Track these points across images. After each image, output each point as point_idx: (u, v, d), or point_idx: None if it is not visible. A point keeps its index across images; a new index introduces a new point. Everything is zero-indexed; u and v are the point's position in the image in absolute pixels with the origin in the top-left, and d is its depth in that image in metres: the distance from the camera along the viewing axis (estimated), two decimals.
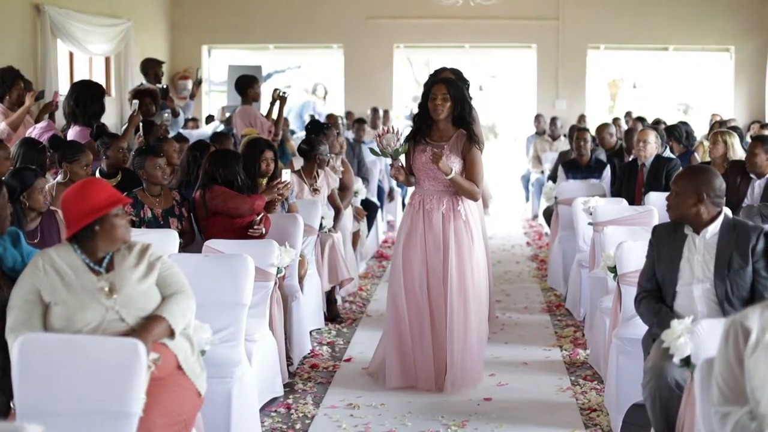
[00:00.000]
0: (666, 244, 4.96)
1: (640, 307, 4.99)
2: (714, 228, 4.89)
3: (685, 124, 11.80)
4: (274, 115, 10.30)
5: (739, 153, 8.60)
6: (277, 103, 10.15)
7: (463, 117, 6.36)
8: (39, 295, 4.12)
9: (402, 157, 6.38)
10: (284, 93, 10.15)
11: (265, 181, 7.31)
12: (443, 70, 7.72)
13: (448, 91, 6.31)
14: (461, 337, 6.25)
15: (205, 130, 13.45)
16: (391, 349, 6.34)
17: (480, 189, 6.41)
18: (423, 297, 6.32)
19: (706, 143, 10.40)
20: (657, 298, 4.94)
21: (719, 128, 9.94)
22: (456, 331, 6.23)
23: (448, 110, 6.31)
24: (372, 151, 6.52)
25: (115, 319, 4.14)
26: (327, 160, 8.80)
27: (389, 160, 6.47)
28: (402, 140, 6.29)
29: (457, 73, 7.65)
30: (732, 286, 4.78)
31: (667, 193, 8.04)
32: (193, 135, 12.56)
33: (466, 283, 6.29)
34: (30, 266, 4.19)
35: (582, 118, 16.33)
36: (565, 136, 14.84)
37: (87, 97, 8.72)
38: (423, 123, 6.42)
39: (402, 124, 18.99)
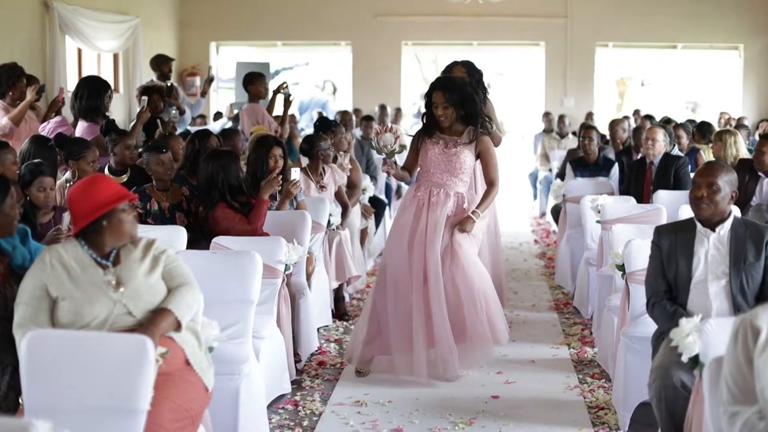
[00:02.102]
0: (675, 243, 4.94)
1: (653, 312, 4.96)
2: (727, 225, 4.91)
3: (692, 122, 11.79)
4: (278, 111, 10.29)
5: (742, 151, 8.59)
6: (280, 98, 10.15)
7: (471, 114, 6.46)
8: (46, 290, 4.14)
9: (404, 152, 6.58)
10: (290, 95, 10.15)
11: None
12: (455, 64, 7.73)
13: (446, 99, 6.39)
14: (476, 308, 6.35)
15: (213, 127, 13.47)
16: (395, 339, 6.39)
17: (497, 182, 6.57)
18: (419, 286, 6.35)
19: (700, 145, 10.44)
20: (669, 299, 4.92)
21: (722, 128, 9.95)
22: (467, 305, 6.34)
23: (452, 115, 6.43)
24: (370, 144, 6.60)
25: (122, 312, 4.15)
26: (331, 156, 8.80)
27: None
28: (398, 144, 6.43)
29: (468, 65, 7.67)
30: (747, 279, 4.80)
31: (675, 191, 8.17)
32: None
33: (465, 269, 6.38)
34: (37, 262, 4.21)
35: (590, 115, 16.31)
36: (573, 134, 14.83)
37: (84, 92, 8.71)
38: (431, 122, 6.53)
39: (410, 122, 18.99)
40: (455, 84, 6.52)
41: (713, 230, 4.90)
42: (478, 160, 6.60)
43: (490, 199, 6.58)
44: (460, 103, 6.41)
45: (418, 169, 6.66)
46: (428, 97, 6.51)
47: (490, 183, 6.56)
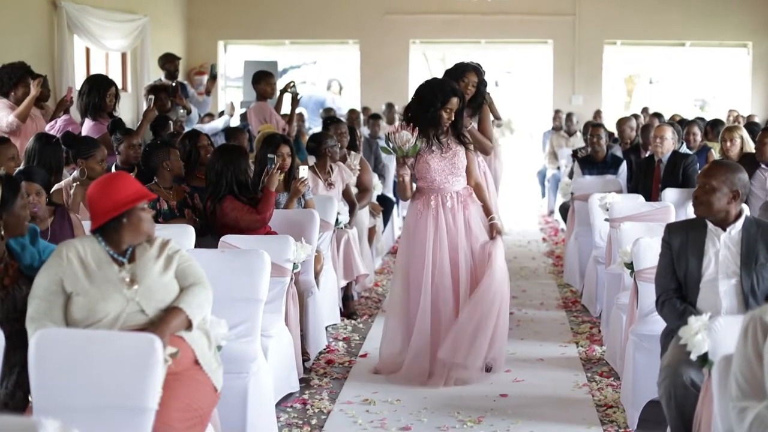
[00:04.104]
0: (685, 242, 4.93)
1: (663, 310, 4.95)
2: (738, 224, 4.88)
3: (702, 120, 11.75)
4: (286, 109, 10.29)
5: (749, 147, 8.57)
6: (288, 98, 10.15)
7: (457, 124, 6.55)
8: (61, 285, 4.15)
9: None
10: (298, 94, 10.14)
11: (282, 176, 7.30)
12: (467, 69, 7.63)
13: (459, 105, 6.49)
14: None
15: (216, 124, 13.48)
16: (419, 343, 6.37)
17: (482, 181, 6.74)
18: (449, 290, 6.36)
19: (712, 143, 10.38)
20: (679, 297, 4.91)
21: (730, 125, 9.87)
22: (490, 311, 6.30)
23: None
24: (384, 149, 6.54)
25: (135, 310, 4.16)
26: (338, 153, 8.79)
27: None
28: (415, 137, 6.34)
29: (479, 72, 7.65)
30: (758, 279, 4.78)
31: (684, 189, 8.15)
32: (205, 128, 12.57)
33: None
34: (53, 256, 4.23)
35: (598, 113, 16.29)
36: (580, 132, 14.81)
37: (85, 89, 8.72)
38: (426, 123, 6.47)
39: None
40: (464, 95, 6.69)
41: (724, 230, 4.89)
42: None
43: (489, 197, 6.70)
44: (460, 115, 6.55)
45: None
46: (443, 100, 6.43)
47: (477, 186, 6.61)
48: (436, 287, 6.36)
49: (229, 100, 16.36)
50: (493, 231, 6.49)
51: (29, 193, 5.52)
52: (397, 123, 6.52)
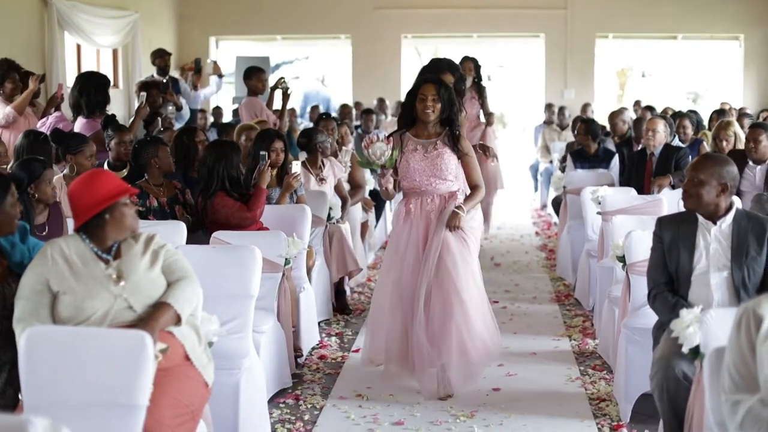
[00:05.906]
0: (677, 235, 4.93)
1: (655, 303, 4.95)
2: (729, 218, 4.88)
3: (695, 113, 11.76)
4: (277, 105, 10.28)
5: (742, 142, 8.56)
6: (279, 94, 10.13)
7: (451, 119, 6.15)
8: (47, 285, 4.13)
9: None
10: (289, 90, 10.12)
11: (275, 171, 7.29)
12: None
13: (437, 93, 6.07)
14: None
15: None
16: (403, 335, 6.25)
17: (482, 184, 6.26)
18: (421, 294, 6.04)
19: (709, 134, 10.35)
20: (671, 291, 4.91)
21: (723, 118, 9.84)
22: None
23: (438, 112, 6.08)
24: (361, 163, 6.26)
25: (123, 307, 4.15)
26: (329, 149, 8.79)
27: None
28: (391, 147, 5.96)
29: (475, 62, 7.54)
30: (749, 272, 4.79)
31: None
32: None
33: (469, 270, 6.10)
34: (38, 256, 4.21)
35: (586, 107, 16.23)
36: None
37: (90, 88, 8.68)
38: (408, 121, 6.21)
39: None
40: (446, 84, 6.26)
41: (715, 223, 4.89)
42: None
43: (476, 199, 6.16)
44: (448, 104, 6.12)
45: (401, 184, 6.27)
46: (414, 89, 6.16)
47: (475, 187, 6.19)
48: (405, 294, 6.07)
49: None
50: (451, 219, 5.97)
51: (51, 180, 5.62)
52: (374, 135, 6.16)
